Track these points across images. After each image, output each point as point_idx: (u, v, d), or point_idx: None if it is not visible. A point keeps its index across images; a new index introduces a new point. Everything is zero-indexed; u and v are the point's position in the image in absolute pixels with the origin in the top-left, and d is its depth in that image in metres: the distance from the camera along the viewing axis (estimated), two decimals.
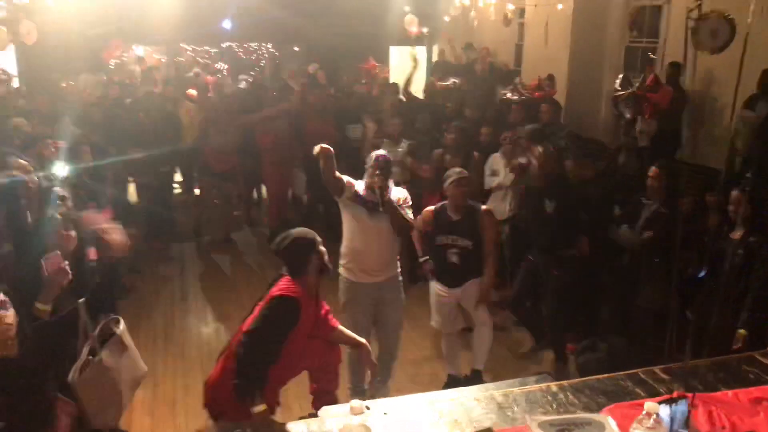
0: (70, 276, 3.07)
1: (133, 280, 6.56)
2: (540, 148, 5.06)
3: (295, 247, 3.44)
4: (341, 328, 3.69)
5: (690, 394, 2.14)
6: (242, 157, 7.96)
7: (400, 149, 6.59)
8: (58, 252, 3.13)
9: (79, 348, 2.99)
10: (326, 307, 3.64)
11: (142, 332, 5.65)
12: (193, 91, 8.61)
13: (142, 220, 7.63)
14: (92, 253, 3.72)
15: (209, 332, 5.80)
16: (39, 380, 2.56)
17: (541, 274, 5.12)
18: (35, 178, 4.37)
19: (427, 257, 4.71)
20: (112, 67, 10.39)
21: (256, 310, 3.35)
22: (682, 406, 2.06)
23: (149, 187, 7.54)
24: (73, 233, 3.42)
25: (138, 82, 9.63)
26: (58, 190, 4.18)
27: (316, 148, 3.88)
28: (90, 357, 3.06)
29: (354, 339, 3.67)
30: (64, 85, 8.18)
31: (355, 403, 2.22)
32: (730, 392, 2.57)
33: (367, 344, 3.69)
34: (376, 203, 4.12)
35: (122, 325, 3.53)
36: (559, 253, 4.93)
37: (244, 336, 3.24)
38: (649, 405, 2.05)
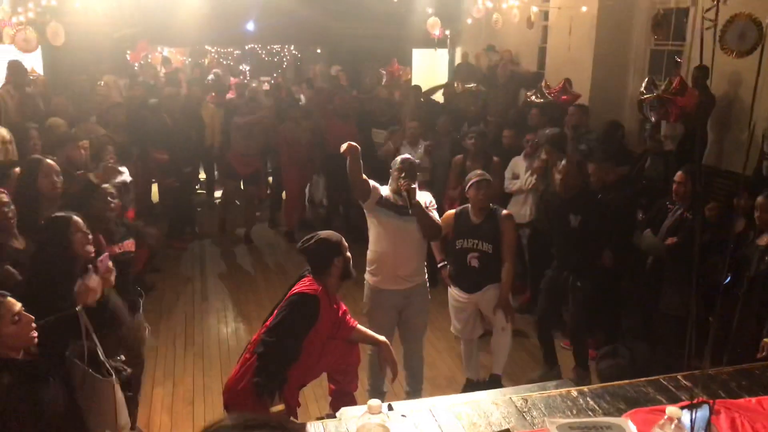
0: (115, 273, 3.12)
1: (154, 279, 6.62)
2: (563, 162, 4.97)
3: (321, 247, 3.45)
4: (360, 327, 3.67)
5: (711, 401, 2.10)
6: (265, 159, 8.01)
7: (418, 152, 6.57)
8: (107, 253, 3.20)
9: (80, 351, 2.98)
10: (344, 307, 3.63)
11: (162, 331, 5.72)
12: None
13: (164, 220, 7.72)
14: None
15: (229, 331, 5.83)
16: (46, 382, 2.57)
17: (564, 286, 4.99)
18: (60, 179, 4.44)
19: (445, 263, 4.68)
20: (137, 69, 10.50)
21: (277, 311, 3.36)
22: (703, 412, 2.03)
23: (171, 187, 7.61)
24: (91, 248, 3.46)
25: (162, 83, 9.73)
26: (107, 187, 4.23)
27: (344, 146, 3.84)
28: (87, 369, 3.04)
29: (374, 338, 3.65)
30: (101, 83, 8.27)
31: (373, 402, 2.19)
32: (753, 399, 2.53)
33: (388, 342, 3.65)
34: (404, 206, 4.10)
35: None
36: (584, 267, 4.83)
37: (265, 333, 3.25)
38: (671, 410, 2.02)
